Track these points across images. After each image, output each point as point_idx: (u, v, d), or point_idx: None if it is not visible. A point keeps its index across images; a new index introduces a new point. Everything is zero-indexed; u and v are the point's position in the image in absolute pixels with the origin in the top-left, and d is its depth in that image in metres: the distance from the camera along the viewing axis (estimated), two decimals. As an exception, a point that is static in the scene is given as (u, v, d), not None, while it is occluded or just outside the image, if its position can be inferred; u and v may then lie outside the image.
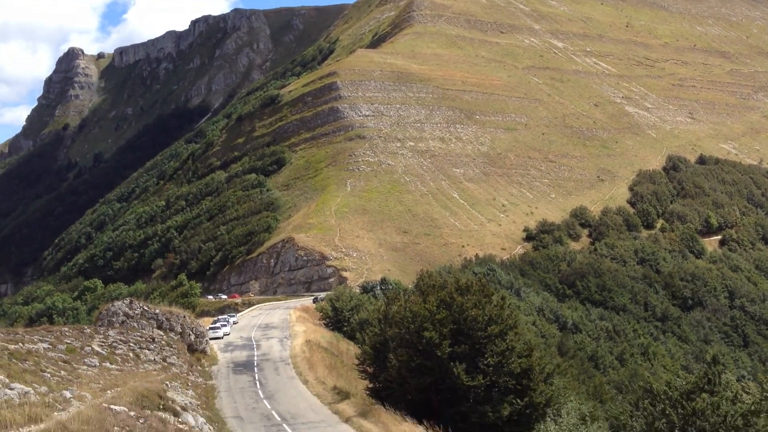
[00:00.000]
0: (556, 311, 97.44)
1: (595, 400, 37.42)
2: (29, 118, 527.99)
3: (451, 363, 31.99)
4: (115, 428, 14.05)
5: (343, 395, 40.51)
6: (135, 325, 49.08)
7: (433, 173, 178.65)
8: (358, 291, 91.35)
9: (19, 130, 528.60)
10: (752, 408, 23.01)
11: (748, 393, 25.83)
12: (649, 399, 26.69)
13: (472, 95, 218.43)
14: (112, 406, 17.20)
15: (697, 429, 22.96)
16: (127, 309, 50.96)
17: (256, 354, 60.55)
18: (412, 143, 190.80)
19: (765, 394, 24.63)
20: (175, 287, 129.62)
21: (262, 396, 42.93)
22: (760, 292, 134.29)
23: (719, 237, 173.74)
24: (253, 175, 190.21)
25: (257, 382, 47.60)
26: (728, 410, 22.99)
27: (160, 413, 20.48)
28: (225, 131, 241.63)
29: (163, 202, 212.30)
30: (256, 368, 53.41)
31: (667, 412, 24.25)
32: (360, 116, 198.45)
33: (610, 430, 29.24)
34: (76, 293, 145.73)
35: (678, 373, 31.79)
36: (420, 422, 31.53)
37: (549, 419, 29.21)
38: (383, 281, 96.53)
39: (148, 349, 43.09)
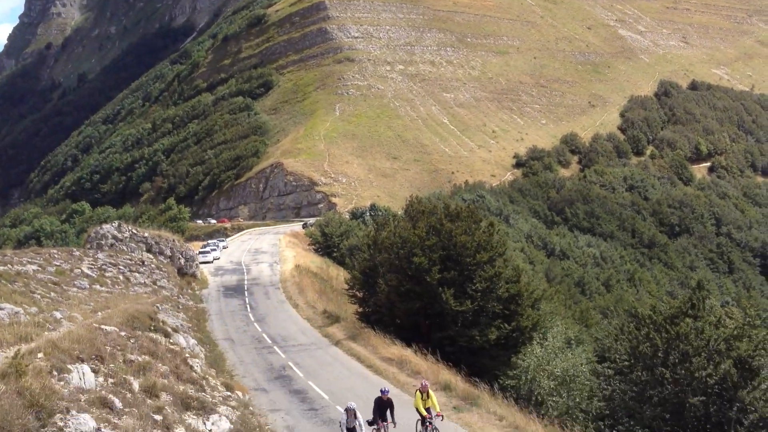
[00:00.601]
0: (545, 238, 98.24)
1: (581, 325, 38.07)
2: (11, 37, 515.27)
3: (440, 288, 32.24)
4: (106, 347, 14.09)
5: (332, 319, 40.99)
6: (124, 248, 49.11)
7: (423, 98, 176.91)
8: (347, 217, 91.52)
9: (0, 49, 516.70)
10: (735, 332, 23.41)
11: (731, 318, 26.30)
12: (633, 323, 27.10)
13: (463, 17, 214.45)
14: (103, 326, 17.25)
15: (680, 352, 23.39)
16: (116, 232, 50.92)
17: (246, 278, 60.98)
18: (401, 67, 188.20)
19: (748, 319, 25.06)
20: (163, 211, 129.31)
21: (252, 319, 43.41)
22: (746, 219, 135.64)
23: (708, 164, 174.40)
24: (240, 98, 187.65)
25: (248, 306, 48.08)
26: (711, 334, 23.39)
27: (151, 334, 20.61)
28: (211, 52, 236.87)
29: (150, 125, 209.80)
30: (246, 292, 53.87)
31: (651, 336, 24.65)
32: (349, 38, 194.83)
33: (595, 354, 29.80)
34: (63, 216, 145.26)
35: (663, 298, 32.26)
36: (408, 345, 32.00)
37: (535, 343, 29.67)
38: (373, 207, 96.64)
39: (138, 272, 43.20)
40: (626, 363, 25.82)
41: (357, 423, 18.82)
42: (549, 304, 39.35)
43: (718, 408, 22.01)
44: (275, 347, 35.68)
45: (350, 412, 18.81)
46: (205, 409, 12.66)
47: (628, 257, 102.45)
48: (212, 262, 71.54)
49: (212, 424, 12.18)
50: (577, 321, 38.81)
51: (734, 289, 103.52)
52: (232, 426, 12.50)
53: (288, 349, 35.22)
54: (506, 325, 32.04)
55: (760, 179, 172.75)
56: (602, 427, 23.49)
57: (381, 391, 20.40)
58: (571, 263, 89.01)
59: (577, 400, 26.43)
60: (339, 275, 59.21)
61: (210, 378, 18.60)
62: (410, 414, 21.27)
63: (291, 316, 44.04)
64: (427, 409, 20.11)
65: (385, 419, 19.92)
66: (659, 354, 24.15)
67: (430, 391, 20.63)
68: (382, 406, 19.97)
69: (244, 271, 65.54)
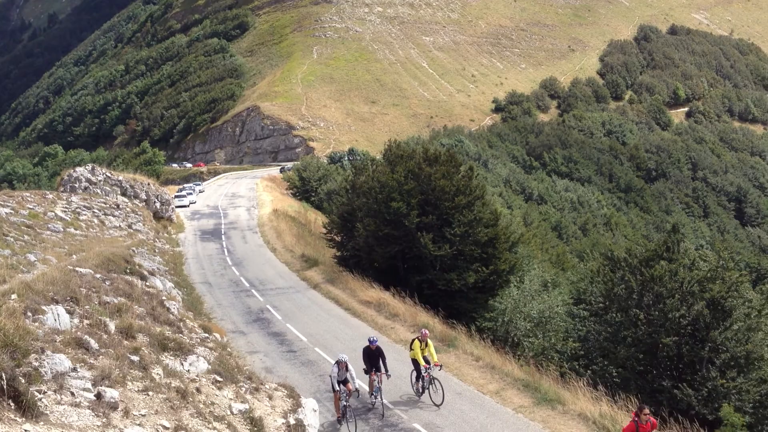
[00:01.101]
0: (523, 182, 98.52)
1: (558, 268, 38.44)
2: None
3: (419, 233, 32.25)
4: (81, 289, 13.94)
5: (311, 263, 41.03)
6: (98, 191, 48.52)
7: (402, 41, 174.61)
8: (325, 161, 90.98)
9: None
10: (708, 275, 23.72)
11: (705, 261, 26.56)
12: (609, 266, 27.37)
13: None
14: (77, 269, 17.06)
15: (654, 294, 23.71)
16: (89, 175, 50.21)
17: (223, 222, 60.71)
18: (380, 9, 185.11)
19: (721, 261, 25.38)
20: (138, 154, 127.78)
21: (230, 263, 43.35)
22: (722, 163, 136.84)
23: (686, 109, 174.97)
24: (215, 40, 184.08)
25: (225, 250, 47.96)
26: (685, 276, 23.69)
27: (127, 277, 20.46)
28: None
29: (123, 67, 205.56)
30: (223, 236, 53.68)
31: (626, 278, 24.92)
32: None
33: (571, 296, 30.15)
34: (36, 159, 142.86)
35: (639, 242, 32.58)
36: (387, 288, 32.15)
37: (512, 286, 29.89)
38: (351, 151, 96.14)
39: (113, 216, 42.79)
40: (601, 305, 26.15)
41: (348, 375, 17.99)
42: (526, 248, 39.62)
43: (691, 348, 22.43)
44: (253, 290, 35.73)
45: (342, 365, 17.84)
46: (182, 350, 12.61)
47: (605, 201, 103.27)
48: (188, 206, 71.06)
49: (190, 364, 12.15)
50: (554, 264, 39.17)
51: (709, 233, 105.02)
52: (209, 366, 12.48)
53: (266, 292, 35.28)
54: (484, 269, 32.22)
55: (736, 124, 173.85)
56: (577, 366, 23.88)
57: (369, 340, 19.70)
58: (548, 207, 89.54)
59: (553, 341, 26.82)
60: (317, 219, 59.11)
61: (187, 320, 18.53)
62: (396, 362, 21.43)
63: (269, 260, 44.02)
64: (425, 359, 19.58)
65: (378, 369, 19.17)
66: (634, 296, 24.45)
67: (429, 341, 20.00)
68: (372, 356, 19.31)
69: (221, 215, 65.21)
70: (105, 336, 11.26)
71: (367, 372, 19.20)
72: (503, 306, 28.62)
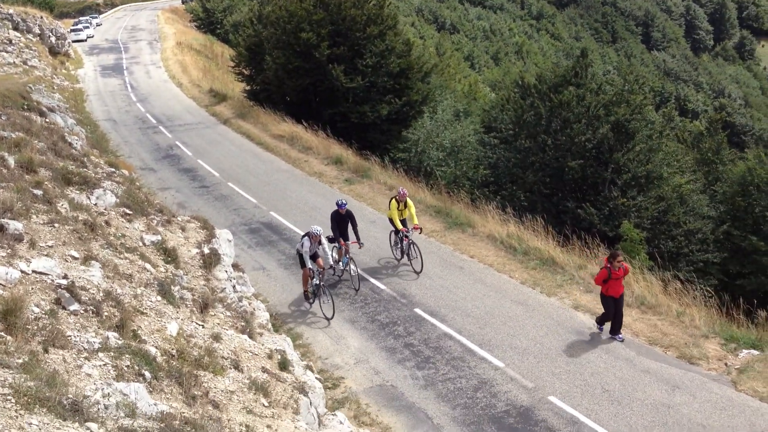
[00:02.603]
0: (435, 11, 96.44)
1: (470, 98, 38.53)
2: None
3: (330, 64, 31.40)
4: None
5: (219, 98, 39.82)
6: (-16, 26, 44.81)
7: None
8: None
9: None
10: (613, 99, 24.26)
11: (611, 85, 27.07)
12: (519, 93, 27.59)
13: None
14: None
15: (561, 119, 24.19)
16: (-29, 8, 46.09)
17: (124, 57, 57.68)
18: None
19: (626, 85, 25.93)
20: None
21: (134, 99, 41.62)
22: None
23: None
24: None
25: (128, 86, 45.87)
26: (592, 101, 24.16)
27: (24, 113, 19.36)
28: None
29: None
30: (125, 71, 51.16)
31: (536, 104, 25.25)
32: None
33: (482, 125, 30.45)
34: None
35: (548, 68, 32.76)
36: (299, 122, 31.70)
37: (425, 116, 29.90)
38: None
39: (6, 52, 39.88)
40: (511, 132, 26.60)
41: (321, 249, 15.63)
42: (439, 78, 39.36)
43: (595, 170, 23.30)
44: (161, 127, 34.63)
45: (314, 238, 15.20)
46: (88, 185, 12.16)
47: (517, 30, 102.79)
48: (86, 40, 67.03)
49: (97, 198, 11.76)
50: (466, 94, 39.18)
51: (616, 58, 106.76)
52: (117, 200, 12.13)
53: (174, 128, 34.27)
54: (397, 100, 32.00)
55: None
56: (487, 192, 24.52)
57: (337, 204, 17.02)
58: (461, 37, 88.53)
59: (464, 169, 27.31)
60: (224, 53, 56.82)
61: (92, 157, 17.86)
62: (315, 196, 21.42)
63: (175, 96, 42.45)
64: (403, 221, 17.52)
65: (346, 237, 16.91)
66: (542, 122, 24.90)
67: (409, 201, 17.66)
68: (342, 222, 16.89)
69: (122, 49, 61.80)
70: (4, 170, 10.71)
71: (333, 240, 16.75)
72: (416, 137, 28.73)
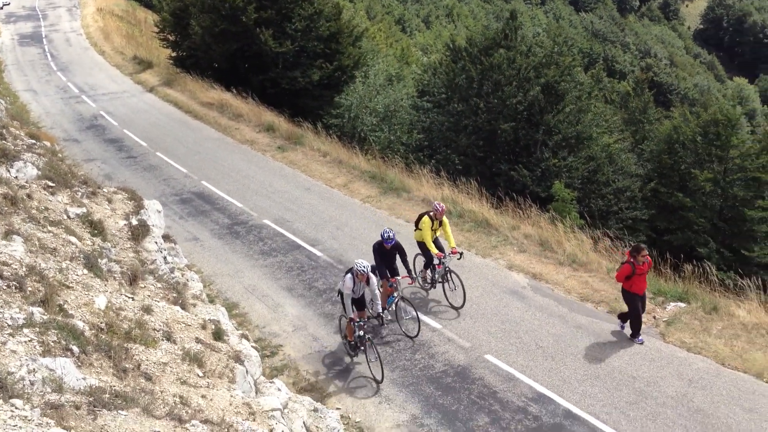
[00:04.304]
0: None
1: (402, 62, 38.35)
2: None
3: (258, 29, 30.73)
4: None
5: (144, 65, 38.61)
6: None
7: None
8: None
9: None
10: (543, 60, 24.48)
11: (540, 47, 27.26)
12: (450, 57, 27.55)
13: None
14: None
15: (493, 82, 24.29)
16: None
17: (43, 25, 55.32)
18: None
19: (555, 47, 26.18)
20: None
21: (55, 69, 40.02)
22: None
23: None
24: None
25: (48, 55, 44.05)
26: (522, 63, 24.31)
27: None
28: None
29: None
30: (45, 40, 49.09)
31: (467, 68, 25.26)
32: None
33: (415, 89, 30.36)
34: None
35: (479, 31, 32.78)
36: (228, 89, 31.02)
37: (358, 81, 29.65)
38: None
39: None
40: (444, 96, 26.59)
41: (368, 291, 11.99)
42: (370, 42, 39.07)
43: (527, 132, 23.55)
44: (84, 97, 33.41)
45: (360, 277, 11.55)
46: (7, 157, 11.59)
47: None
48: (2, 8, 64.02)
49: (17, 171, 11.23)
50: (398, 58, 38.99)
51: (545, 20, 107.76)
52: (39, 173, 11.61)
53: (98, 98, 33.11)
54: (328, 65, 31.61)
55: None
56: (421, 157, 24.55)
57: (382, 237, 13.04)
58: (391, 0, 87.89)
59: (398, 133, 27.26)
60: (147, 18, 54.99)
61: (12, 128, 17.05)
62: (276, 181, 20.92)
63: (98, 64, 40.97)
64: (436, 243, 13.97)
65: (394, 272, 13.18)
66: (474, 85, 24.96)
67: (445, 219, 14.03)
68: (388, 256, 13.20)
69: (40, 17, 59.24)
70: None
71: (375, 273, 12.72)
72: (349, 102, 28.50)
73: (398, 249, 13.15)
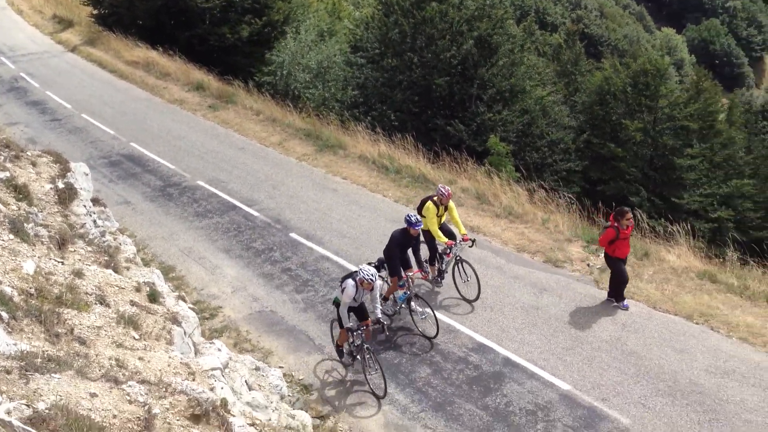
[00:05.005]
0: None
1: (333, 17, 37.65)
2: None
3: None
4: None
5: (65, 24, 37.01)
6: None
7: None
8: None
9: None
10: (475, 13, 24.37)
11: (473, 0, 27.14)
12: (383, 11, 27.19)
13: None
14: None
15: (426, 36, 24.11)
16: None
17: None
18: None
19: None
20: None
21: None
22: None
23: None
24: None
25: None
26: (454, 16, 24.16)
27: None
28: None
29: None
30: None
31: (400, 22, 24.99)
32: None
33: (348, 44, 29.89)
34: None
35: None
36: (154, 47, 30.00)
37: (289, 37, 29.03)
38: None
39: None
40: (377, 51, 26.27)
41: (370, 298, 10.62)
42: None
43: (461, 86, 23.51)
44: (2, 58, 31.86)
45: (367, 285, 10.05)
46: None
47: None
48: None
49: (-71, 135, 10.63)
50: (329, 13, 38.27)
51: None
52: (-47, 138, 11.02)
53: (17, 59, 31.62)
54: (257, 20, 30.86)
55: None
56: (357, 114, 24.30)
57: (408, 221, 11.53)
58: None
59: (332, 90, 26.86)
60: (66, -25, 52.56)
61: None
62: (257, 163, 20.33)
63: (15, 23, 39.05)
64: (445, 230, 12.46)
65: (407, 266, 11.81)
66: (407, 39, 24.73)
67: (451, 203, 12.61)
68: (407, 246, 11.85)
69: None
70: None
71: (379, 268, 11.44)
72: (281, 59, 27.93)
73: (418, 239, 11.88)
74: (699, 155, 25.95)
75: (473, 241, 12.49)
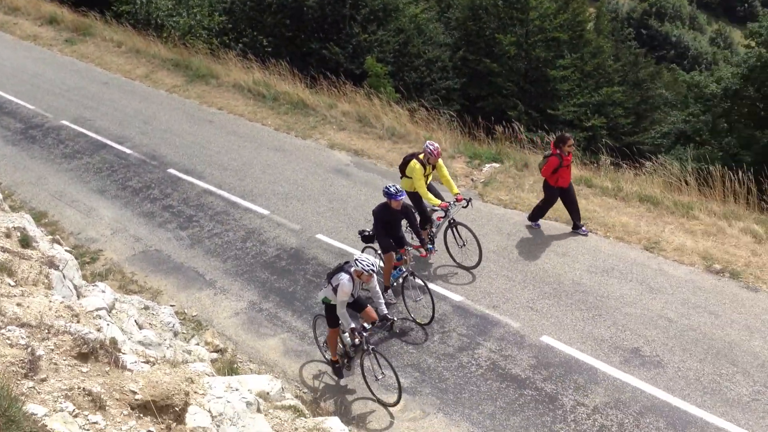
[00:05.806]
0: None
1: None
2: None
3: None
4: None
5: None
6: None
7: None
8: None
9: None
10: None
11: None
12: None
13: None
14: None
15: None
16: None
17: None
18: None
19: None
20: None
21: None
22: None
23: None
24: None
25: None
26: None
27: None
28: None
29: None
30: None
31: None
32: None
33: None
34: None
35: None
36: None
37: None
38: None
39: None
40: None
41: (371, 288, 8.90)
42: None
43: (333, 7, 22.94)
44: None
45: (366, 278, 8.38)
46: None
47: None
48: None
49: None
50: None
51: None
52: None
53: None
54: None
55: None
56: (227, 41, 23.32)
57: (387, 193, 9.90)
58: None
59: (198, 17, 25.56)
60: None
61: None
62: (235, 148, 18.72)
63: None
64: (432, 189, 11.09)
65: (403, 242, 10.34)
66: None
67: (440, 161, 11.04)
68: (394, 222, 10.24)
69: None
70: None
71: (368, 240, 10.34)
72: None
73: (406, 210, 10.12)
74: (570, 66, 26.70)
75: (469, 200, 10.98)
